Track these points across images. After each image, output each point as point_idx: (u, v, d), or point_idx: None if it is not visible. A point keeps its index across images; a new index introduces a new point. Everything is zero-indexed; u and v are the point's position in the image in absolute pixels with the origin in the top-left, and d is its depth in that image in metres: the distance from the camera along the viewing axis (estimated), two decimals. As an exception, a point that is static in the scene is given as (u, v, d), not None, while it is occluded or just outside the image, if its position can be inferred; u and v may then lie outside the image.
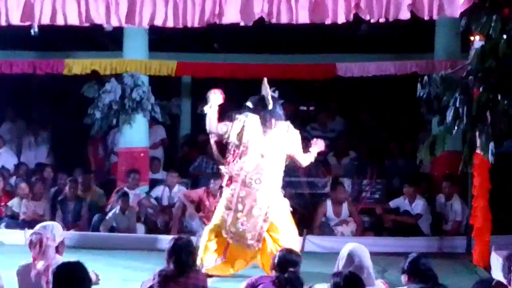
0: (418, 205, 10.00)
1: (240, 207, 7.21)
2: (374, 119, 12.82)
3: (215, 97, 7.33)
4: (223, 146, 7.57)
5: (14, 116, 13.07)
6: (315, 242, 9.43)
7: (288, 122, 7.45)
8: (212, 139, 7.53)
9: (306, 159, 7.59)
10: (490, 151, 6.13)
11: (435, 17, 7.09)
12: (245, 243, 7.25)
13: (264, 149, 7.23)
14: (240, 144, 7.26)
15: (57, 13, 7.27)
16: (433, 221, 10.05)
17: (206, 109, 7.39)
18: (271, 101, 7.25)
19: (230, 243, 7.39)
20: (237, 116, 7.35)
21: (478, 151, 6.54)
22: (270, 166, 7.26)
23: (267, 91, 7.32)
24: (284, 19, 7.18)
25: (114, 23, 7.34)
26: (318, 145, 7.64)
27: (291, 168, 7.93)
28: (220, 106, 7.42)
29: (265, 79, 7.37)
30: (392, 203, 10.27)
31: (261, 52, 12.06)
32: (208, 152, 8.10)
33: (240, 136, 7.26)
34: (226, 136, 7.30)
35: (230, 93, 7.79)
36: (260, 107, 7.30)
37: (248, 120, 7.27)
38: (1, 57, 11.50)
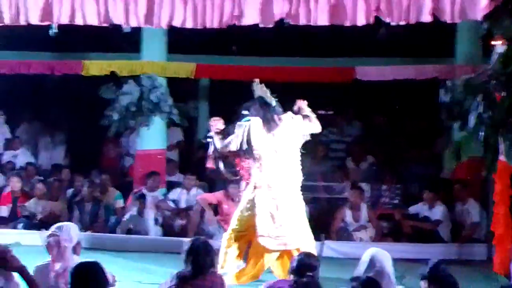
0: (438, 211, 9.89)
1: (273, 209, 7.14)
2: (392, 123, 12.73)
3: (218, 123, 7.60)
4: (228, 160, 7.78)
5: (31, 117, 13.10)
6: (333, 248, 9.35)
7: (289, 112, 7.37)
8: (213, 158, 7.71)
9: (312, 125, 7.43)
10: (513, 157, 6.05)
11: (456, 20, 7.02)
12: (285, 242, 7.15)
13: (277, 147, 7.17)
14: (252, 150, 7.21)
15: (76, 13, 7.28)
16: (453, 227, 9.93)
17: (211, 134, 7.58)
18: (271, 99, 7.22)
19: (250, 249, 7.35)
20: (238, 123, 7.33)
21: (500, 156, 6.45)
22: (287, 162, 7.20)
23: (263, 90, 7.27)
24: (303, 21, 7.15)
25: (133, 23, 7.34)
26: (299, 105, 7.50)
27: (309, 173, 7.85)
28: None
29: (257, 80, 7.32)
30: (412, 209, 10.17)
31: (279, 55, 11.99)
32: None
33: (249, 141, 7.23)
34: (237, 147, 7.32)
35: (247, 95, 7.75)
36: (262, 108, 7.25)
37: (251, 124, 7.22)
38: (19, 58, 11.53)
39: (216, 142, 7.49)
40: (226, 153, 7.52)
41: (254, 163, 7.25)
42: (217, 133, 7.53)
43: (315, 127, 7.44)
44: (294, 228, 7.13)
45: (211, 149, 7.71)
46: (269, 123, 7.20)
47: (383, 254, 5.14)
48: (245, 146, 7.24)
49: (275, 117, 7.22)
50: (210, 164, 7.83)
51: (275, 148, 7.18)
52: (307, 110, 7.45)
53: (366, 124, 12.74)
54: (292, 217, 7.15)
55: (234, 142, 7.32)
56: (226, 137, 7.48)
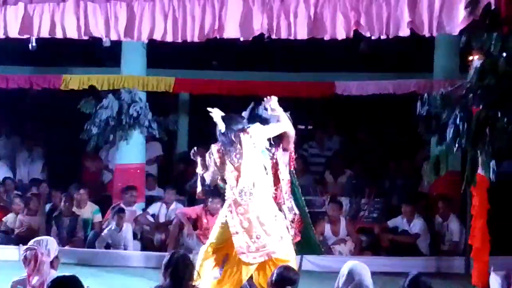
0: (417, 225, 9.93)
1: (246, 224, 7.12)
2: (372, 137, 12.78)
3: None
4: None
5: (9, 131, 13.01)
6: (313, 261, 9.34)
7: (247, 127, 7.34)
8: None
9: (281, 126, 7.29)
10: (491, 170, 6.08)
11: (434, 34, 7.07)
12: (267, 252, 7.13)
13: (239, 165, 7.18)
14: (219, 171, 7.27)
15: (56, 26, 7.24)
16: (431, 241, 9.97)
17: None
18: (222, 124, 7.17)
19: (226, 262, 7.33)
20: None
21: (478, 170, 6.49)
22: (251, 178, 7.19)
23: (216, 116, 7.29)
24: (283, 35, 7.16)
25: (113, 37, 7.31)
26: (269, 101, 7.42)
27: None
28: None
29: (209, 109, 7.33)
30: (390, 223, 10.20)
31: (259, 69, 12.03)
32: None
33: (215, 166, 7.28)
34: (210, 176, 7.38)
35: (228, 110, 7.74)
36: (218, 134, 7.30)
37: (212, 150, 7.29)
38: (-3, 72, 11.46)
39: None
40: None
41: (225, 183, 7.29)
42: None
43: (284, 127, 7.35)
44: (272, 237, 7.13)
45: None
46: (226, 145, 7.22)
47: (362, 267, 5.14)
48: (215, 170, 7.29)
49: (231, 136, 7.17)
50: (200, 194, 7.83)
51: (238, 168, 7.19)
52: (278, 109, 7.38)
53: (346, 138, 12.78)
54: (268, 227, 7.14)
55: (208, 173, 7.35)
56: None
